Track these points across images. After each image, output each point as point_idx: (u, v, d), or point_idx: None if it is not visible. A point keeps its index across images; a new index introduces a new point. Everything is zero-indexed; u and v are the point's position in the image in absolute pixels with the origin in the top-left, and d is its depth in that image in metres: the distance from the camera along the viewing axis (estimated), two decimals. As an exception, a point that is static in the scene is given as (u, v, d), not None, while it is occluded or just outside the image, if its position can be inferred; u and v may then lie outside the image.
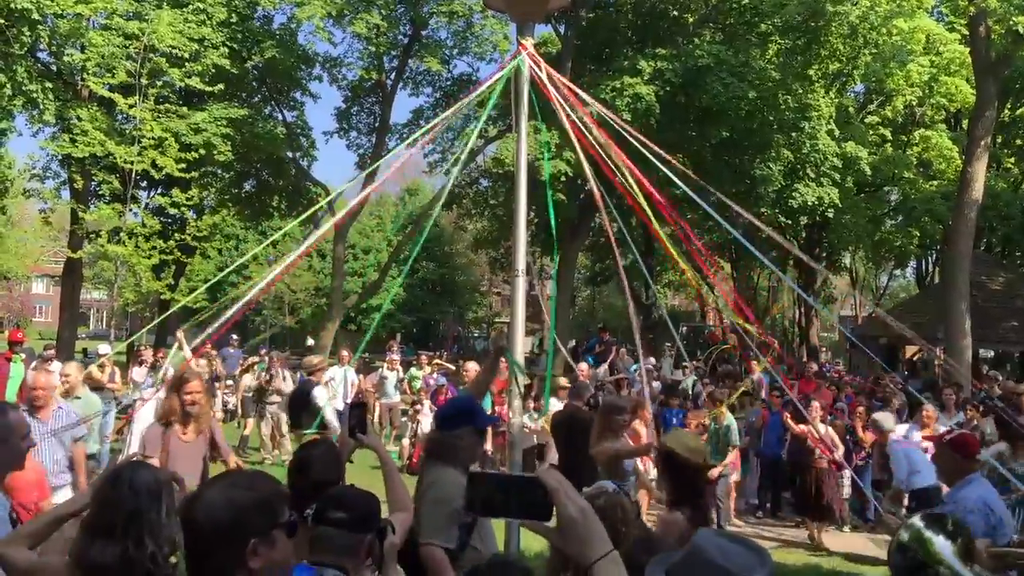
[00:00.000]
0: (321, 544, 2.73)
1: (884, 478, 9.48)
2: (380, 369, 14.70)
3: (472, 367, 11.71)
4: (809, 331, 34.81)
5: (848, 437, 10.63)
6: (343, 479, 3.44)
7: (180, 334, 7.65)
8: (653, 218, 5.82)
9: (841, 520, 10.20)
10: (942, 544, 2.67)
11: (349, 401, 14.28)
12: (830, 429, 10.00)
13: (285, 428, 13.70)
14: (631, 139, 5.62)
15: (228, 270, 8.25)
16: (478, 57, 26.41)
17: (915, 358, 25.00)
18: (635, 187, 5.56)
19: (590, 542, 1.53)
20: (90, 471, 7.10)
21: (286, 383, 13.87)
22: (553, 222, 8.21)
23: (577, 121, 5.34)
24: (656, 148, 5.59)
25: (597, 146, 5.45)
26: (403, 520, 3.32)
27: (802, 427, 9.87)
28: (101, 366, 13.67)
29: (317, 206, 15.94)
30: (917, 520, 2.73)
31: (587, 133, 5.45)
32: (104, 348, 15.68)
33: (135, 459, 3.52)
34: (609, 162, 5.47)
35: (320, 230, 10.89)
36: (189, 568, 2.10)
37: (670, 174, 5.92)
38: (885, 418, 9.47)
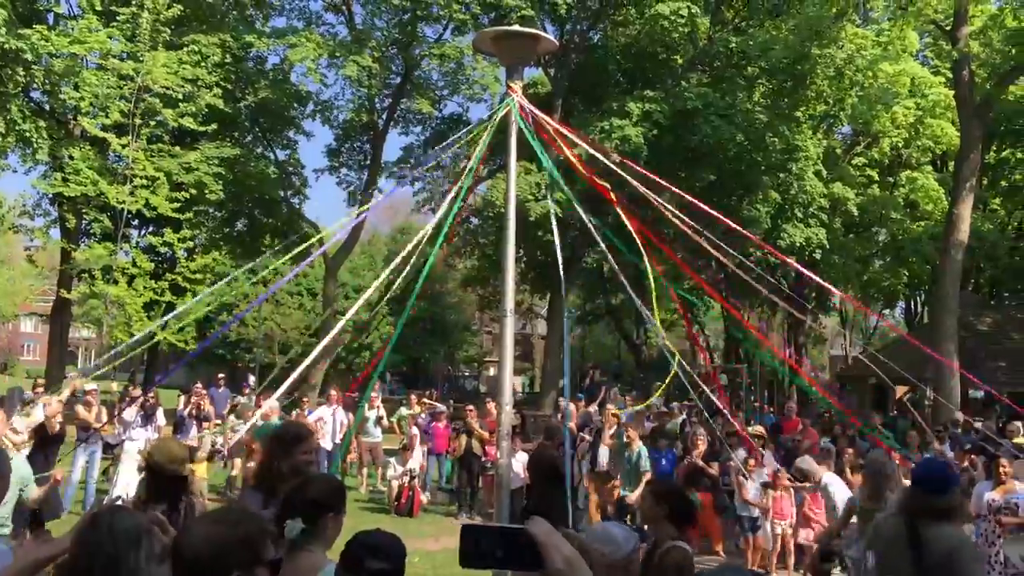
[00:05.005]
0: None
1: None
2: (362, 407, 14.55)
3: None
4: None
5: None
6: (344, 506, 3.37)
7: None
8: (645, 253, 5.90)
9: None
10: None
11: (338, 440, 14.17)
12: (781, 493, 9.85)
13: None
14: (624, 174, 5.70)
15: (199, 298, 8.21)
16: (468, 98, 26.65)
17: (904, 398, 24.96)
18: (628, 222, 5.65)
19: None
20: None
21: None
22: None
23: (572, 158, 5.44)
24: (656, 178, 5.67)
25: (593, 179, 5.54)
26: None
27: None
28: (87, 404, 13.52)
29: (308, 243, 15.89)
30: None
31: (579, 169, 5.55)
32: (91, 386, 15.51)
33: (117, 503, 3.50)
34: (604, 193, 5.55)
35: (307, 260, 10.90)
36: None
37: (666, 207, 5.94)
38: (809, 462, 9.03)
